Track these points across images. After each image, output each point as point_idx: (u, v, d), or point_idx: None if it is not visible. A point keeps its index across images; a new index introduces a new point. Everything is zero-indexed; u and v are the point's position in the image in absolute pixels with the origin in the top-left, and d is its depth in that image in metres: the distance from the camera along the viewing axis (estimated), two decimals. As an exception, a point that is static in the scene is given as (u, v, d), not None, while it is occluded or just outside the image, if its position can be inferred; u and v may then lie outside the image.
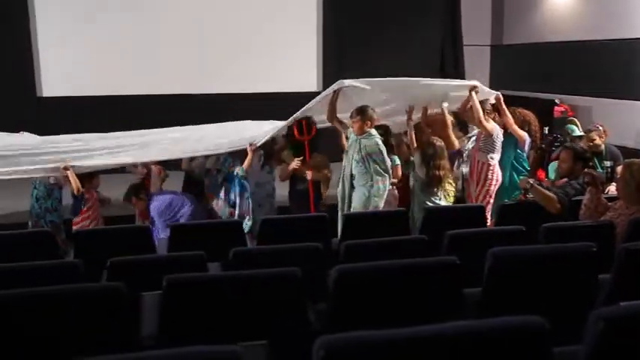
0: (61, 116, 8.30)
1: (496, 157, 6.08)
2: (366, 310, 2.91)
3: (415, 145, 6.03)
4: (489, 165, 6.04)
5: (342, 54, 9.62)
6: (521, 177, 5.98)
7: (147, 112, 8.02)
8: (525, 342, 1.85)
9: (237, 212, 6.15)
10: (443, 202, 5.84)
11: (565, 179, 5.46)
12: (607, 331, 1.91)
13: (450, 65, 10.28)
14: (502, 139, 6.09)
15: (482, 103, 6.02)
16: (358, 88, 5.90)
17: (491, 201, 6.07)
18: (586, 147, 6.05)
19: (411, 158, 6.13)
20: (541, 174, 6.95)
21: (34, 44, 8.86)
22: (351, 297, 2.88)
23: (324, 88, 9.58)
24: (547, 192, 4.97)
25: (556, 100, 9.31)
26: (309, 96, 7.79)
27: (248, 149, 6.05)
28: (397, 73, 9.06)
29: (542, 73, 10.16)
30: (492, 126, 6.03)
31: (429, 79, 6.29)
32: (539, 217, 4.59)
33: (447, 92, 6.20)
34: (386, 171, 5.56)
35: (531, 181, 5.20)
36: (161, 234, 5.91)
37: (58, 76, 8.98)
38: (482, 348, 1.83)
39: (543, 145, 7.15)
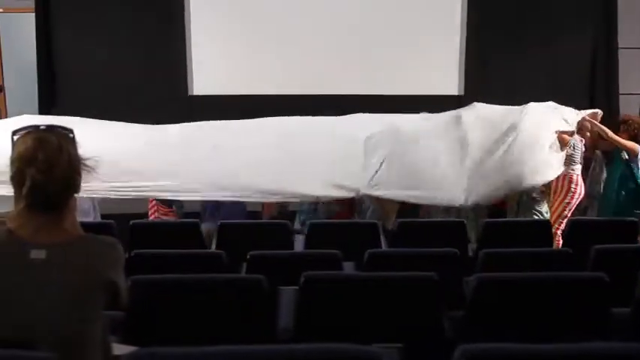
0: (211, 115, 8.74)
1: (578, 168, 5.77)
2: (504, 322, 2.82)
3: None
4: (571, 177, 5.71)
5: (485, 54, 9.33)
6: None
7: (295, 112, 8.21)
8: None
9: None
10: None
11: None
12: None
13: (602, 68, 9.68)
14: (582, 149, 5.77)
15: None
16: None
17: (569, 215, 5.69)
18: None
19: None
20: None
21: (187, 43, 9.36)
22: (490, 307, 2.81)
23: (466, 92, 9.44)
24: None
25: None
26: (449, 99, 7.65)
27: None
28: (543, 75, 8.72)
29: None
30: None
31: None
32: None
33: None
34: None
35: None
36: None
37: (209, 74, 9.43)
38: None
39: None
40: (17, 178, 1.81)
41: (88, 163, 1.91)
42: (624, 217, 5.26)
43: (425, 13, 9.38)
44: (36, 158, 1.78)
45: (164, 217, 5.93)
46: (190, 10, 9.28)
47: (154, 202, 5.92)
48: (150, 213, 5.97)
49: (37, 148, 1.79)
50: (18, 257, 1.80)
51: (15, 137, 1.86)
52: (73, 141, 1.90)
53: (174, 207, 5.99)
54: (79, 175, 1.88)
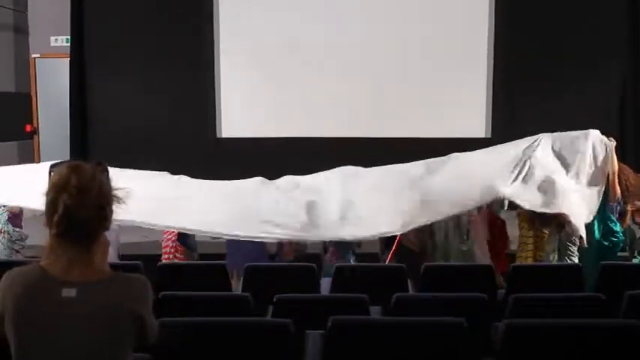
0: (238, 156, 8.84)
1: None
2: (535, 370, 2.76)
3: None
4: None
5: (513, 97, 9.33)
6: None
7: (320, 154, 8.23)
8: None
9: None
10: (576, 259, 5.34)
11: None
12: None
13: (630, 111, 9.58)
14: None
15: None
16: None
17: None
18: None
19: None
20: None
21: (217, 87, 9.52)
22: (520, 353, 2.76)
23: (493, 135, 9.38)
24: None
25: None
26: (476, 142, 7.62)
27: None
28: (571, 115, 8.65)
29: None
30: None
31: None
32: None
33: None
34: None
35: None
36: None
37: (237, 118, 9.56)
38: None
39: None
40: (50, 208, 1.86)
41: (118, 194, 1.96)
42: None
43: (450, 57, 9.43)
44: (69, 183, 1.84)
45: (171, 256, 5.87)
46: (220, 56, 9.48)
47: (169, 242, 5.87)
48: (164, 252, 5.92)
49: (71, 175, 1.85)
50: (50, 295, 1.85)
51: (52, 170, 1.93)
52: (106, 173, 1.97)
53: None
54: (110, 205, 1.93)
